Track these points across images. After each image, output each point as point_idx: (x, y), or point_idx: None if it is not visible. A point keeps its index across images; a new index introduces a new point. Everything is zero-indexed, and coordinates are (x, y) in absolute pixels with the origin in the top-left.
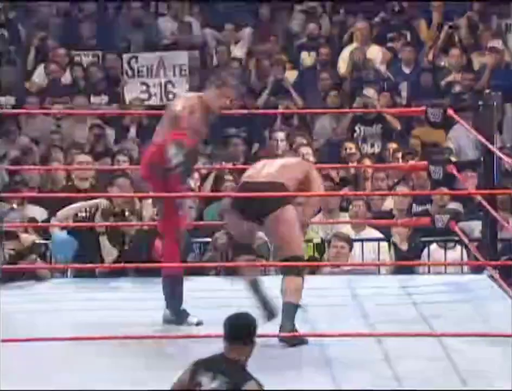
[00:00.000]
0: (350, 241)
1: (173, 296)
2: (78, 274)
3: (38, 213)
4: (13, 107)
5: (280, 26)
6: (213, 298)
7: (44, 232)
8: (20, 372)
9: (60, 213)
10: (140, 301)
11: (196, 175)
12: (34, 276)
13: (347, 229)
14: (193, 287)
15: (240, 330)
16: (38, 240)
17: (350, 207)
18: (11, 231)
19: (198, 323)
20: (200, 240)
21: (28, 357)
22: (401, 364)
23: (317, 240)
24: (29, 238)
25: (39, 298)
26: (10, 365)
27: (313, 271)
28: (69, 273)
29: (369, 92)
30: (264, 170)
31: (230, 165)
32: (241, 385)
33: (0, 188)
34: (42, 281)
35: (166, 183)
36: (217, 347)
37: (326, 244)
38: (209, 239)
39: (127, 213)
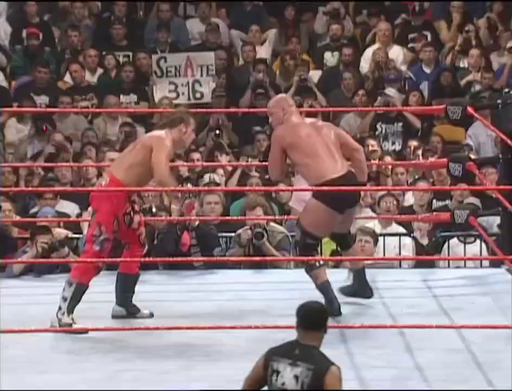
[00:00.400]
0: (374, 236)
1: (128, 292)
2: (109, 267)
3: (71, 208)
4: (47, 106)
5: (304, 27)
6: (235, 291)
7: (76, 227)
8: (55, 358)
9: (90, 209)
10: (169, 293)
11: (221, 171)
12: (68, 269)
13: (374, 225)
14: (218, 280)
15: (314, 318)
16: (71, 235)
17: (381, 203)
18: (44, 226)
19: (151, 315)
20: (226, 234)
21: (63, 345)
22: (422, 356)
23: None
24: (61, 232)
25: None
26: (48, 351)
27: (337, 265)
28: None
29: (390, 91)
30: (333, 162)
31: (256, 162)
32: (325, 370)
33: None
34: None
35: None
36: (238, 336)
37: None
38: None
39: (154, 209)
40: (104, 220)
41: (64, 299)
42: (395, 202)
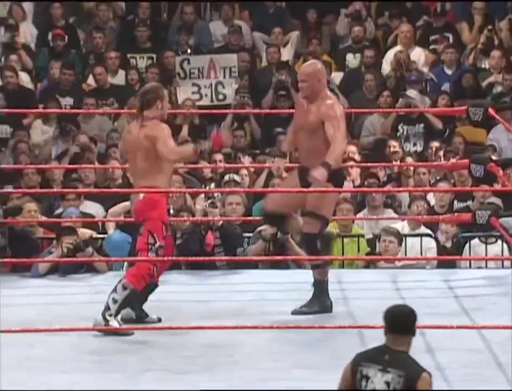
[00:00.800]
0: (398, 236)
1: (140, 297)
2: None
3: (95, 209)
4: (72, 107)
5: (326, 29)
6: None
7: (100, 228)
8: (78, 358)
9: (112, 210)
10: (191, 293)
11: (244, 171)
12: (92, 269)
13: (403, 227)
14: (240, 280)
15: (402, 321)
16: (95, 235)
17: (412, 206)
18: (69, 226)
19: (159, 320)
20: (248, 235)
21: (86, 345)
22: (443, 355)
23: (368, 235)
24: (86, 232)
25: (95, 289)
26: (71, 351)
27: (368, 265)
28: (124, 267)
29: (412, 92)
30: None
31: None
32: (416, 377)
33: None
34: (99, 273)
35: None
36: (260, 336)
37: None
38: None
39: (171, 211)
40: (154, 227)
41: (115, 301)
42: (425, 206)
